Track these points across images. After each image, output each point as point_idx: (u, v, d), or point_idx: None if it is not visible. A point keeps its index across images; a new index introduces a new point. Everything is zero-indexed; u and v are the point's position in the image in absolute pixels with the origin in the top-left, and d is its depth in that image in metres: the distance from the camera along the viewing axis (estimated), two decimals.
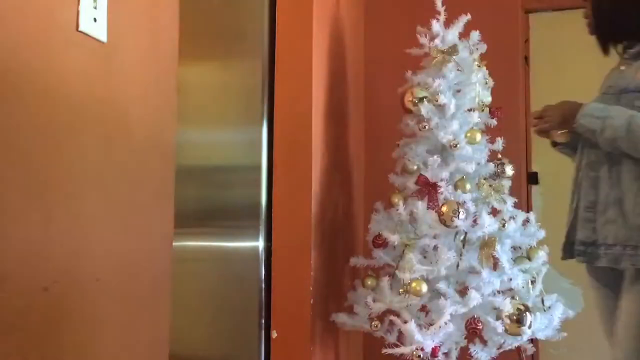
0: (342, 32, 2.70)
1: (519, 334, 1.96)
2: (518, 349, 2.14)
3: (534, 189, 2.96)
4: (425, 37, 2.26)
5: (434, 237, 2.06)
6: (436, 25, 2.24)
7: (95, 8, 1.13)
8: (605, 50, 1.86)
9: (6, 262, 0.95)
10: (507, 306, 1.94)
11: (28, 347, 0.99)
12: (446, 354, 2.06)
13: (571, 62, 2.96)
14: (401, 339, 2.02)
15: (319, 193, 2.31)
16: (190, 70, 2.35)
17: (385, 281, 2.07)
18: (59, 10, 1.07)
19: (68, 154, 1.08)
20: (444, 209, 2.00)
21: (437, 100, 2.16)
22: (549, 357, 2.81)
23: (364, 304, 2.11)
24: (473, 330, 1.97)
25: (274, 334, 2.24)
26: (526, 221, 2.19)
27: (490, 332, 2.00)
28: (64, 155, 1.07)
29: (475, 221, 2.03)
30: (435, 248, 2.05)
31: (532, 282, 2.11)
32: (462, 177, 2.13)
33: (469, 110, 2.23)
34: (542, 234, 2.18)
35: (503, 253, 2.05)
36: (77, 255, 1.09)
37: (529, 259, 2.13)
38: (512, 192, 2.29)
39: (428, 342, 1.91)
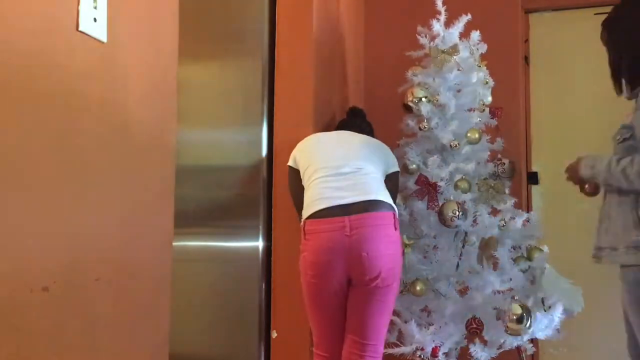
0: (342, 32, 2.70)
1: (519, 334, 1.97)
2: (518, 349, 2.15)
3: (534, 189, 2.96)
4: (426, 37, 2.26)
5: (434, 237, 2.06)
6: (436, 25, 2.24)
7: (95, 8, 1.13)
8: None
9: (6, 262, 0.94)
10: (507, 306, 1.94)
11: (28, 347, 0.99)
12: (446, 354, 2.06)
13: (571, 62, 2.95)
14: (401, 339, 2.03)
15: None
16: (190, 70, 2.35)
17: None
18: (59, 10, 1.06)
19: (68, 154, 1.08)
20: (444, 209, 2.00)
21: (437, 100, 2.16)
22: (549, 357, 2.81)
23: None
24: (473, 330, 1.97)
25: (274, 334, 2.24)
26: (526, 221, 2.19)
27: (490, 332, 2.00)
28: (64, 155, 1.07)
29: (475, 221, 2.03)
30: (435, 248, 2.05)
31: (532, 282, 2.11)
32: (462, 177, 2.13)
33: (469, 110, 2.23)
34: (542, 234, 2.18)
35: (503, 253, 2.05)
36: (77, 255, 1.09)
37: (529, 259, 2.13)
38: (512, 192, 2.29)
39: (428, 342, 1.91)
